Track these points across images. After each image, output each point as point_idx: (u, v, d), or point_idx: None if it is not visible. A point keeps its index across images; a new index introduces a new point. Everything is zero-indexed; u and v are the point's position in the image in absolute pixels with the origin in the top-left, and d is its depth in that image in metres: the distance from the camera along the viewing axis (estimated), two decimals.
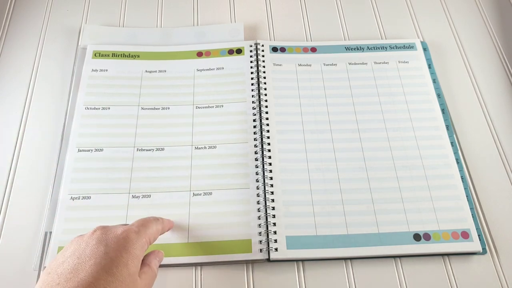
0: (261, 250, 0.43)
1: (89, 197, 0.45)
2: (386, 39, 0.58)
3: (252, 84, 0.53)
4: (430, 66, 0.56)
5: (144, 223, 0.36)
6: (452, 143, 0.50)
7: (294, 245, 0.43)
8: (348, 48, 0.56)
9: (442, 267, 0.43)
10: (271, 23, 0.60)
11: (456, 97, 0.54)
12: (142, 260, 0.34)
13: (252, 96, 0.52)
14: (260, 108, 0.51)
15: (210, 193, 0.46)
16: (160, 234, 0.38)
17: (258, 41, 0.56)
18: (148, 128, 0.50)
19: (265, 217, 0.45)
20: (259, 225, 0.44)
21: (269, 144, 0.49)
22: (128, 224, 0.36)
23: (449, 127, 0.51)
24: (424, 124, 0.51)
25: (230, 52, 0.56)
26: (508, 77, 0.56)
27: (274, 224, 0.44)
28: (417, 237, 0.44)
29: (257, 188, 0.46)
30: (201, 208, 0.45)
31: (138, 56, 0.55)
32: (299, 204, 0.45)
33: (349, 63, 0.55)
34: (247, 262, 0.43)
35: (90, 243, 0.31)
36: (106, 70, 0.53)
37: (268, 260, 0.43)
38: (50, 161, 0.48)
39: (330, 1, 0.63)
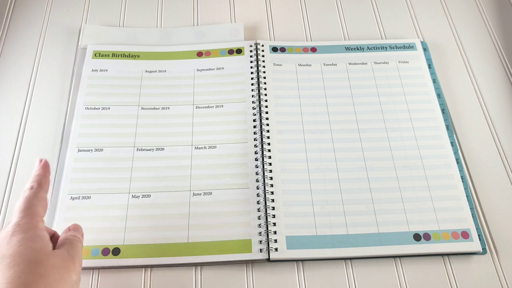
0: (261, 250, 0.43)
1: (89, 197, 0.45)
2: (386, 39, 0.58)
3: (252, 84, 0.53)
4: (430, 66, 0.56)
5: (24, 206, 0.33)
6: (452, 143, 0.50)
7: (294, 245, 0.43)
8: (348, 48, 0.56)
9: (442, 267, 0.43)
10: (271, 23, 0.60)
11: (456, 97, 0.54)
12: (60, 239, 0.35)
13: (252, 96, 0.52)
14: (260, 108, 0.51)
15: (210, 193, 0.46)
16: (45, 189, 0.35)
17: (258, 41, 0.56)
18: (148, 128, 0.50)
19: (265, 217, 0.45)
20: (259, 225, 0.44)
21: (269, 144, 0.49)
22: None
23: (449, 127, 0.51)
24: (424, 124, 0.51)
25: (230, 52, 0.56)
26: (508, 77, 0.56)
27: (274, 224, 0.44)
28: (417, 237, 0.44)
29: (257, 188, 0.46)
30: (201, 208, 0.45)
31: (138, 56, 0.55)
32: (299, 204, 0.45)
33: (349, 63, 0.55)
34: (247, 262, 0.43)
35: None
36: (106, 70, 0.53)
37: (268, 260, 0.43)
38: (50, 161, 0.47)
39: (330, 1, 0.63)
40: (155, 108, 0.51)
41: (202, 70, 0.54)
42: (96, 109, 0.51)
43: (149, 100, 0.52)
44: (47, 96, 0.53)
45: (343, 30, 0.59)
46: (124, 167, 0.47)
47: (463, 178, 0.48)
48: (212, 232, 0.44)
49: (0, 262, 0.29)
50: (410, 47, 0.57)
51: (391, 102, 0.52)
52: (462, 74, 0.56)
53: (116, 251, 0.43)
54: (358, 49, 0.56)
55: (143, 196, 0.46)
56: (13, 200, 0.46)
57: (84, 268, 0.42)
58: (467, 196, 0.46)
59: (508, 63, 0.57)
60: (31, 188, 0.35)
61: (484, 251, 0.44)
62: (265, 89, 0.52)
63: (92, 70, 0.53)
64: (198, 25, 0.59)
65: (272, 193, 0.46)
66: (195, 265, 0.43)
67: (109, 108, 0.51)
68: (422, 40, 0.59)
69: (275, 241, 0.43)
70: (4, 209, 0.45)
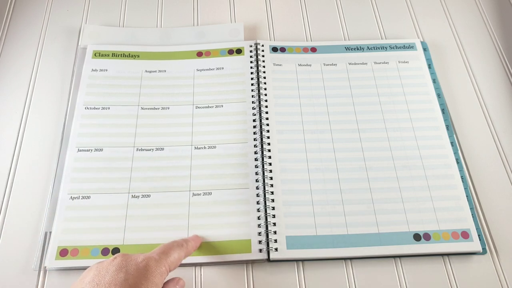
0: (261, 250, 0.43)
1: (88, 197, 0.45)
2: (386, 39, 0.58)
3: (252, 84, 0.53)
4: (430, 66, 0.56)
5: (166, 250, 0.36)
6: (452, 143, 0.50)
7: (294, 245, 0.43)
8: (348, 48, 0.56)
9: (442, 267, 0.43)
10: (271, 23, 0.60)
11: (456, 97, 0.54)
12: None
13: (252, 96, 0.52)
14: (260, 108, 0.51)
15: (210, 193, 0.46)
16: (185, 258, 0.38)
17: (258, 41, 0.56)
18: (148, 128, 0.50)
19: (265, 217, 0.45)
20: (259, 225, 0.44)
21: (269, 144, 0.49)
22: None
23: (449, 127, 0.51)
24: (424, 124, 0.51)
25: (230, 52, 0.56)
26: (508, 77, 0.56)
27: (274, 224, 0.44)
28: (417, 237, 0.44)
29: (257, 188, 0.46)
30: (201, 208, 0.45)
31: (138, 56, 0.55)
32: (299, 204, 0.45)
33: (349, 63, 0.55)
34: (247, 262, 0.43)
35: (110, 270, 0.31)
36: (106, 70, 0.53)
37: (268, 260, 0.43)
38: (50, 161, 0.48)
39: (330, 1, 0.63)
40: (155, 108, 0.51)
41: (202, 70, 0.54)
42: (96, 109, 0.51)
43: (149, 100, 0.52)
44: (47, 96, 0.53)
45: (343, 30, 0.59)
46: (124, 167, 0.47)
47: (463, 178, 0.48)
48: (212, 232, 0.44)
49: (119, 274, 0.31)
50: (410, 47, 0.57)
51: (391, 102, 0.52)
52: (462, 74, 0.56)
53: (115, 251, 0.43)
54: (358, 49, 0.56)
55: (143, 196, 0.46)
56: (13, 200, 0.46)
57: (84, 268, 0.42)
58: (467, 196, 0.46)
59: (508, 63, 0.57)
60: (182, 245, 0.38)
61: (484, 251, 0.44)
62: (265, 89, 0.52)
63: (92, 70, 0.53)
64: (198, 25, 0.59)
65: (272, 193, 0.46)
66: (195, 265, 0.43)
67: (109, 108, 0.51)
68: (422, 40, 0.59)
69: (275, 241, 0.43)
70: (4, 209, 0.45)
